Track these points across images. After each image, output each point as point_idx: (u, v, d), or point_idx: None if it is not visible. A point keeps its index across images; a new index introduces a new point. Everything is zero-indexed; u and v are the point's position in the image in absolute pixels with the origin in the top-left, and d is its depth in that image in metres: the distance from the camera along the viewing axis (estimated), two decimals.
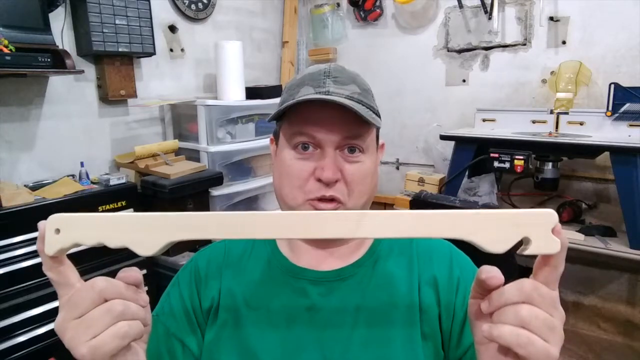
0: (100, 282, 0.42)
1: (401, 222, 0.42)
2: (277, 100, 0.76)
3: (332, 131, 0.59)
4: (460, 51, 2.47)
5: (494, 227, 0.41)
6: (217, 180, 2.05)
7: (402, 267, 0.65)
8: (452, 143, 2.16)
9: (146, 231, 0.42)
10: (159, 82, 2.23)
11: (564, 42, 2.17)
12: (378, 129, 0.66)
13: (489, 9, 2.29)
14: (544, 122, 2.09)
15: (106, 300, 0.42)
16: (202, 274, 0.68)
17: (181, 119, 2.26)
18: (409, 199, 1.89)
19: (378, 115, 0.63)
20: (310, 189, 0.60)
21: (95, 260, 1.63)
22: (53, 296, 1.51)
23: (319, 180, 0.59)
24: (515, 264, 1.49)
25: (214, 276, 0.67)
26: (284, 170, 0.62)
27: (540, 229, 0.40)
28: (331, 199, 0.59)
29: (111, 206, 1.72)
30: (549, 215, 0.40)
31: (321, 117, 0.59)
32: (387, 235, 0.42)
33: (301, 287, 0.63)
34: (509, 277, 0.43)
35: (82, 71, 1.76)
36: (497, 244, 0.41)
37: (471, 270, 0.65)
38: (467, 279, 0.63)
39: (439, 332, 0.62)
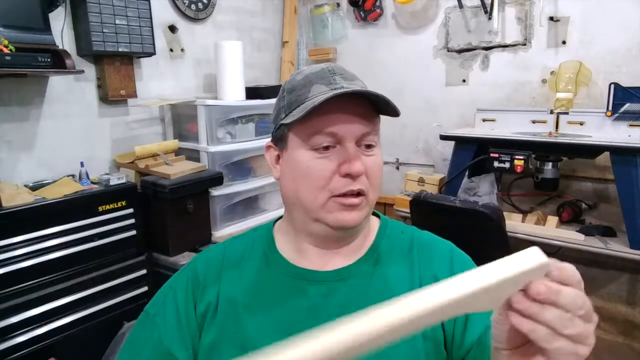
0: None
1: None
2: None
3: (352, 125, 0.59)
4: (460, 51, 2.47)
5: (493, 293, 0.38)
6: (217, 180, 2.05)
7: (403, 266, 0.65)
8: (452, 143, 2.16)
9: None
10: (159, 82, 2.23)
11: (564, 42, 2.16)
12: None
13: (489, 9, 2.29)
14: (544, 122, 2.09)
15: None
16: (200, 279, 0.67)
17: (181, 119, 2.26)
18: (409, 199, 1.89)
19: None
20: (336, 186, 0.59)
21: (94, 261, 1.64)
22: (53, 296, 1.50)
23: (346, 175, 0.59)
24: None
25: (212, 280, 0.67)
26: (300, 172, 0.61)
27: (535, 278, 0.39)
28: (358, 193, 0.60)
29: (111, 206, 1.71)
30: (545, 267, 0.38)
31: (340, 113, 0.59)
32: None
33: (301, 288, 0.63)
34: None
35: (82, 71, 1.76)
36: (495, 304, 0.40)
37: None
38: None
39: (441, 332, 0.62)
